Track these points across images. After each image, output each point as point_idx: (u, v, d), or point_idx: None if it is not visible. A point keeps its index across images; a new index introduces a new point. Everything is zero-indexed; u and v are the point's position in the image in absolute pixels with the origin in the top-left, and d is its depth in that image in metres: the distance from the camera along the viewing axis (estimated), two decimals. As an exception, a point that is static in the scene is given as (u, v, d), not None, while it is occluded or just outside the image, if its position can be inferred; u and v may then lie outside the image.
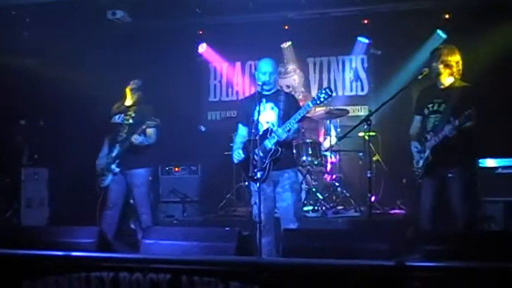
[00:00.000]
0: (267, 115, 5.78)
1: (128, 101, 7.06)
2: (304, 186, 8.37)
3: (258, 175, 5.49)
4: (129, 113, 6.95)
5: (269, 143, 5.62)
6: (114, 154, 6.84)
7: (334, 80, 10.53)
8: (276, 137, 5.58)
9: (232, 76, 11.06)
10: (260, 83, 5.78)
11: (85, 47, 9.10)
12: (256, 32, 9.79)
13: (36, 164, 9.15)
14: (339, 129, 9.18)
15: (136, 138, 6.69)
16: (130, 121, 6.89)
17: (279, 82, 9.99)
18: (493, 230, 7.24)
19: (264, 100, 5.80)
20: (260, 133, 5.64)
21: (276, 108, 5.79)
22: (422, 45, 9.40)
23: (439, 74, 5.75)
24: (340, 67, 10.56)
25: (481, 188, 7.34)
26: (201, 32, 10.55)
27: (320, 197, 8.45)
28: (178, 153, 9.75)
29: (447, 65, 5.71)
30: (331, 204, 8.51)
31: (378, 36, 9.86)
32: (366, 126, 6.06)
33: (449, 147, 5.49)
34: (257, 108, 5.65)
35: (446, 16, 9.25)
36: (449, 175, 5.61)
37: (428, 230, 5.63)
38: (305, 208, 8.19)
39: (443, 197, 5.71)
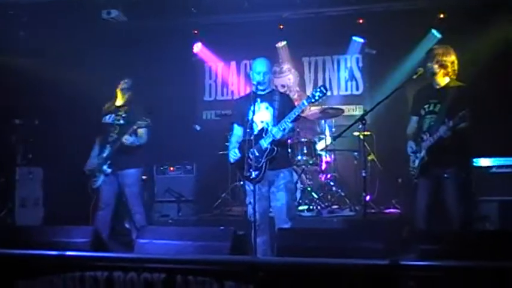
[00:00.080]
0: (262, 115, 5.78)
1: (119, 101, 7.00)
2: (299, 185, 8.37)
3: (253, 175, 5.49)
4: (120, 113, 6.87)
5: (265, 143, 5.62)
6: (105, 155, 6.78)
7: (329, 80, 10.54)
8: (271, 136, 5.58)
9: (227, 75, 11.06)
10: (255, 83, 5.78)
11: (80, 47, 9.08)
12: (251, 32, 9.80)
13: (31, 163, 9.12)
14: (333, 129, 9.19)
15: (127, 139, 6.63)
16: (121, 121, 6.82)
17: (274, 81, 9.98)
18: (488, 229, 7.27)
19: (258, 100, 5.79)
20: (255, 133, 5.64)
21: (270, 108, 5.78)
22: (417, 44, 9.41)
23: (434, 74, 5.75)
24: (335, 66, 10.57)
25: (475, 187, 7.36)
26: (196, 32, 10.54)
27: (315, 196, 8.45)
28: (174, 152, 9.74)
29: (442, 65, 5.72)
30: (326, 204, 8.50)
31: (372, 35, 9.86)
32: (360, 126, 6.07)
33: (444, 147, 5.50)
34: (252, 108, 5.65)
35: (441, 16, 9.26)
36: (445, 175, 5.62)
37: (423, 229, 5.64)
38: (300, 207, 8.19)
39: (438, 197, 5.72)
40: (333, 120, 9.28)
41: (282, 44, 10.37)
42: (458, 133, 5.41)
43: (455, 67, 5.76)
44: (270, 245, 5.65)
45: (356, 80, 10.46)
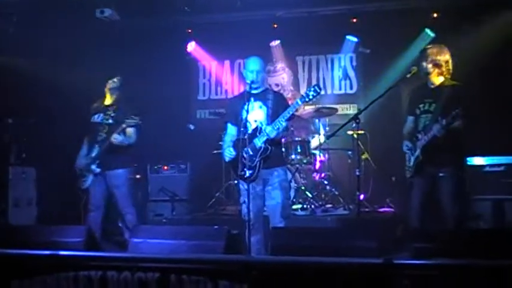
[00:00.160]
0: (256, 114, 5.77)
1: (108, 100, 6.92)
2: (293, 184, 8.36)
3: (247, 174, 5.49)
4: (109, 112, 6.78)
5: (259, 142, 5.62)
6: (93, 154, 6.69)
7: (323, 79, 10.55)
8: (265, 135, 5.58)
9: (221, 74, 11.06)
10: (249, 82, 5.77)
11: (74, 46, 9.06)
12: (245, 31, 9.80)
13: (24, 163, 9.08)
14: (327, 128, 9.19)
15: (115, 138, 6.55)
16: (110, 121, 6.73)
17: (268, 80, 10.00)
18: (482, 228, 7.28)
19: (252, 99, 5.79)
20: (249, 132, 5.64)
21: (264, 107, 5.78)
22: (410, 43, 9.44)
23: (428, 73, 5.75)
24: (329, 65, 10.58)
25: (469, 186, 7.37)
26: (190, 31, 10.54)
27: (309, 195, 8.45)
28: (167, 151, 9.73)
29: (436, 65, 5.72)
30: (320, 203, 8.50)
31: (366, 34, 9.87)
32: (354, 125, 6.08)
33: (439, 146, 5.51)
34: (245, 107, 5.65)
35: (435, 15, 9.29)
36: (440, 174, 5.62)
37: (417, 228, 5.65)
38: (294, 206, 8.18)
39: (433, 196, 5.73)
40: (327, 119, 9.28)
41: (275, 43, 10.37)
42: (453, 132, 5.42)
43: (450, 66, 5.76)
44: (264, 244, 5.66)
45: (350, 79, 10.47)
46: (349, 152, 8.96)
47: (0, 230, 5.84)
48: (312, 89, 5.57)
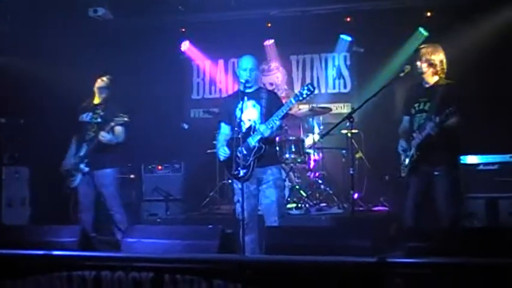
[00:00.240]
0: (249, 113, 5.77)
1: (96, 99, 6.91)
2: (287, 183, 8.36)
3: (242, 173, 5.49)
4: (98, 111, 6.77)
5: (253, 141, 5.62)
6: (82, 153, 6.69)
7: (317, 78, 10.55)
8: (259, 134, 5.57)
9: (215, 74, 11.05)
10: (243, 81, 5.76)
11: (67, 45, 9.02)
12: (238, 30, 9.81)
13: (18, 163, 9.04)
14: (322, 127, 9.20)
15: (104, 136, 6.53)
16: (99, 120, 6.72)
17: (262, 80, 10.01)
18: (475, 226, 7.30)
19: (245, 98, 5.77)
20: (243, 131, 5.64)
21: (258, 106, 5.77)
22: (404, 42, 9.46)
23: (423, 73, 5.76)
24: (323, 65, 10.58)
25: (463, 185, 7.38)
26: (183, 30, 10.54)
27: (303, 194, 8.46)
28: (161, 151, 9.72)
29: (431, 64, 5.72)
30: (315, 202, 8.51)
31: (360, 34, 9.88)
32: (348, 124, 6.09)
33: (433, 144, 5.51)
34: (239, 106, 5.65)
35: (428, 14, 9.31)
36: (435, 173, 5.63)
37: (411, 226, 5.65)
38: (288, 205, 8.17)
39: (428, 194, 5.73)
40: (321, 118, 9.29)
41: (269, 42, 10.37)
42: (447, 130, 5.42)
43: (444, 65, 5.76)
44: (258, 243, 5.65)
45: (344, 78, 10.47)
46: (343, 151, 8.97)
47: (-6, 230, 5.81)
48: (306, 87, 5.58)
